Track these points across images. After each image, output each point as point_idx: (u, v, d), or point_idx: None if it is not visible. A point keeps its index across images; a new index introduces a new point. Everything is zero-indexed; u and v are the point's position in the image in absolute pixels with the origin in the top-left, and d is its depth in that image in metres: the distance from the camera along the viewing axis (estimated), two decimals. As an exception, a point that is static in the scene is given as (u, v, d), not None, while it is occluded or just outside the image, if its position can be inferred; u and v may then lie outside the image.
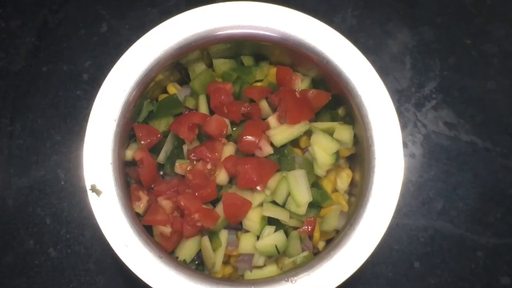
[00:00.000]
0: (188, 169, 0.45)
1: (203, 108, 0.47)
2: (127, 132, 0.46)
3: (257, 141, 0.45)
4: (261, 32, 0.46)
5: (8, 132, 0.55)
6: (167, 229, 0.44)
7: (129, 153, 0.46)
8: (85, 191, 0.41)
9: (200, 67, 0.49)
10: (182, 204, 0.43)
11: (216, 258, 0.44)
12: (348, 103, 0.46)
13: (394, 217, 0.42)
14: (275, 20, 0.45)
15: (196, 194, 0.44)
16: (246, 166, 0.44)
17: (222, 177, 0.45)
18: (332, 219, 0.46)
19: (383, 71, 0.57)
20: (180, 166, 0.45)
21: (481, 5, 0.60)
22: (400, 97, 0.57)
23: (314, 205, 0.45)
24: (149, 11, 0.59)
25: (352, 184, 0.48)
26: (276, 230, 0.44)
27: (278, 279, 0.41)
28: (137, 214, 0.45)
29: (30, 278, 0.51)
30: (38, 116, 0.56)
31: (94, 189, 0.41)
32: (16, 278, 0.51)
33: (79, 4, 0.59)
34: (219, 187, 0.45)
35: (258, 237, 0.44)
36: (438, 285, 0.52)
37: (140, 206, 0.45)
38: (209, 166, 0.45)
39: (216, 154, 0.45)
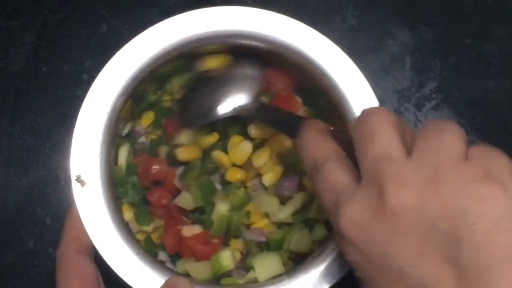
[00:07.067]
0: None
1: None
2: (119, 127, 0.45)
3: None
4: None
5: (8, 132, 0.55)
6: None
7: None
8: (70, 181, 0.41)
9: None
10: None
11: None
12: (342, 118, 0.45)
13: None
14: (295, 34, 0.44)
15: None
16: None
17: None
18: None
19: (383, 71, 0.57)
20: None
21: (481, 5, 0.60)
22: (400, 97, 0.57)
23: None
24: (149, 11, 0.59)
25: None
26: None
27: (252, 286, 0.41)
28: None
29: (30, 278, 0.51)
30: (38, 116, 0.56)
31: (78, 179, 0.41)
32: (16, 278, 0.51)
33: (79, 4, 0.59)
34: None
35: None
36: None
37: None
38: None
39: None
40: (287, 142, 0.45)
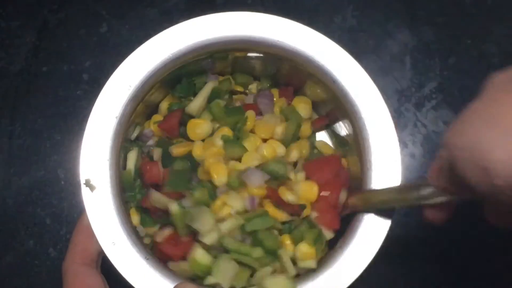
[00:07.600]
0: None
1: None
2: (128, 131, 0.45)
3: None
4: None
5: (8, 132, 0.55)
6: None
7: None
8: (80, 185, 0.41)
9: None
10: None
11: None
12: (351, 123, 0.45)
13: (393, 218, 0.42)
14: (288, 34, 0.44)
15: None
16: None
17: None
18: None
19: (383, 71, 0.57)
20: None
21: (481, 5, 0.60)
22: (400, 97, 0.57)
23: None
24: (149, 11, 0.59)
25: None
26: None
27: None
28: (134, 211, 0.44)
29: (30, 278, 0.52)
30: (38, 116, 0.56)
31: (88, 183, 0.40)
32: (16, 278, 0.51)
33: (79, 4, 0.59)
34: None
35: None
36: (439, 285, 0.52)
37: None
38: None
39: None
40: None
